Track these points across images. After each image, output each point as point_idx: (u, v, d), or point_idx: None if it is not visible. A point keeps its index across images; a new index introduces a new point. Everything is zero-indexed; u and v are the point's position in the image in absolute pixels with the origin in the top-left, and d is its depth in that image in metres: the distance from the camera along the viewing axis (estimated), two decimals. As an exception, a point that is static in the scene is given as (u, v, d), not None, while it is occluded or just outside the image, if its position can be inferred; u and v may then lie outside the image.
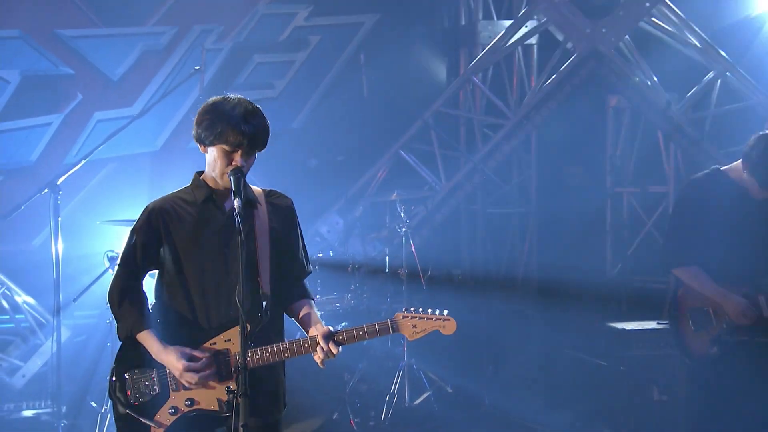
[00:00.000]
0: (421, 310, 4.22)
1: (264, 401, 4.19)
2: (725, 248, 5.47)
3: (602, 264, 9.85)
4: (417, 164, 9.41)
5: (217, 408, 4.14)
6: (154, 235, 4.21)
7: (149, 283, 4.34)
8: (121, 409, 4.18)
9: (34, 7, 8.58)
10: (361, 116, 9.22)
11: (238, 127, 4.06)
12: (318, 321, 4.29)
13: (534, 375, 8.29)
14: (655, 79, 9.25)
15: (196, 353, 4.13)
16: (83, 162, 7.18)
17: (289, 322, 4.40)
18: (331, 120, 9.45)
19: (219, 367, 4.16)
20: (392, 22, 9.70)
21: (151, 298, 4.31)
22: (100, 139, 7.92)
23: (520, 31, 9.51)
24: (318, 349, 4.12)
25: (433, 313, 4.24)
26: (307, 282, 4.51)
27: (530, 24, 9.54)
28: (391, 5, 9.69)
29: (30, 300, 8.52)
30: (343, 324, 7.71)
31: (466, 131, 9.90)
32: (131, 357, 4.21)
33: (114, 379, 4.21)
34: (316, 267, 7.51)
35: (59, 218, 6.92)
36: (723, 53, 9.09)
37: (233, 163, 4.11)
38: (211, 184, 4.25)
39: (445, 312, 4.24)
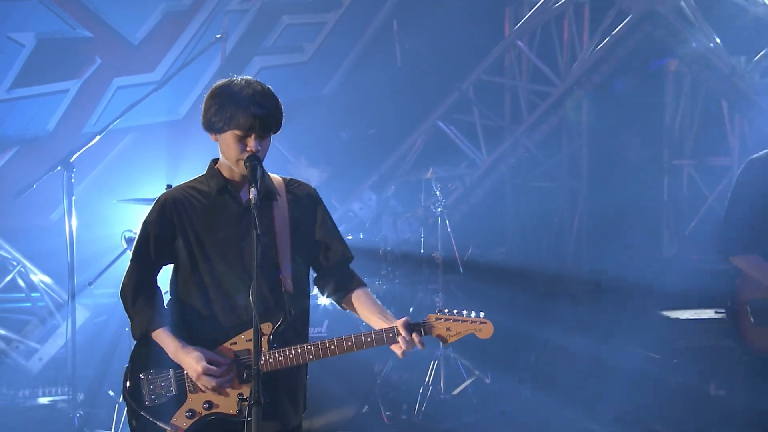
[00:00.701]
0: (456, 311, 4.20)
1: (283, 405, 4.21)
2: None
3: (657, 244, 9.77)
4: (456, 136, 9.36)
5: (236, 412, 4.16)
6: (168, 228, 4.22)
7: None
8: (135, 411, 4.22)
9: (49, -34, 8.68)
10: (394, 87, 9.18)
11: (248, 110, 4.05)
12: (384, 310, 4.29)
13: (581, 364, 8.27)
14: (719, 41, 9.06)
15: (216, 358, 4.16)
16: (98, 137, 7.24)
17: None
18: (363, 90, 9.43)
19: (239, 369, 4.17)
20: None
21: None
22: (119, 107, 7.98)
23: (571, -12, 9.38)
24: (401, 339, 4.10)
25: (469, 314, 4.21)
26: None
27: (582, -19, 9.41)
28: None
29: (46, 279, 8.69)
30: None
31: (510, 100, 9.81)
32: (146, 356, 4.23)
33: (128, 379, 4.24)
34: (345, 249, 7.52)
35: (73, 197, 6.98)
36: (797, 12, 8.88)
37: (248, 149, 4.10)
38: (226, 173, 4.24)
39: (482, 314, 4.21)
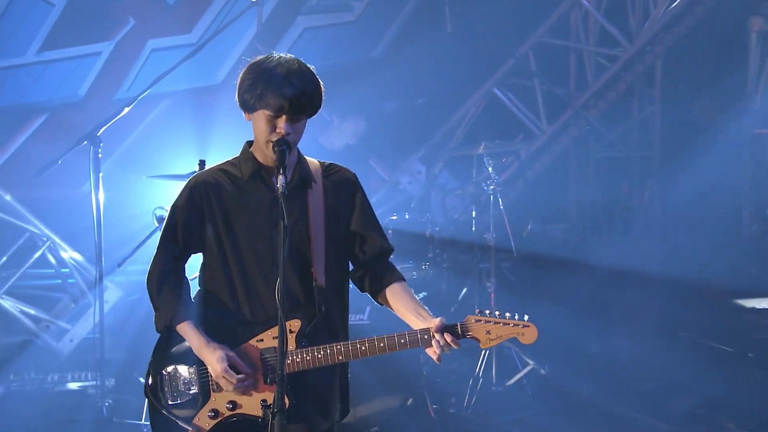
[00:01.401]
0: (497, 313, 4.18)
1: (309, 408, 4.24)
2: None
3: (737, 221, 9.59)
4: (514, 104, 9.28)
5: (260, 414, 4.19)
6: (197, 213, 4.26)
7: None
8: (156, 408, 4.30)
9: None
10: (444, 54, 9.09)
11: (278, 89, 4.05)
12: (420, 306, 4.30)
13: (646, 357, 8.20)
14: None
15: (239, 361, 4.20)
16: (127, 110, 7.29)
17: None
18: (411, 57, 9.35)
19: (265, 368, 4.21)
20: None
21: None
22: (154, 71, 8.04)
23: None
24: (434, 342, 4.11)
25: (512, 317, 4.20)
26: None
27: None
28: None
29: (77, 256, 8.87)
30: (423, 294, 7.76)
31: (575, 65, 9.67)
32: (170, 351, 4.30)
33: (150, 374, 4.32)
34: (389, 231, 7.52)
35: (100, 174, 7.05)
36: None
37: (277, 131, 4.12)
38: (259, 157, 4.26)
39: (526, 317, 4.19)
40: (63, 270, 9.02)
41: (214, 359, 4.18)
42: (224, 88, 9.32)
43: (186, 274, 4.37)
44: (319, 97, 4.18)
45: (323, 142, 8.53)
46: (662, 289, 8.81)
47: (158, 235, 4.41)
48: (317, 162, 4.41)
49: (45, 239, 8.92)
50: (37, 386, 8.13)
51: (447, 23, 9.13)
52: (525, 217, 8.39)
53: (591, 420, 7.46)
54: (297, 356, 4.12)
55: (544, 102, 9.36)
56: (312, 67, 4.20)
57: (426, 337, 4.11)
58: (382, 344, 4.15)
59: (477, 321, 4.18)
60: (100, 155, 7.10)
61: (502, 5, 9.35)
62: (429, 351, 4.14)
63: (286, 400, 4.04)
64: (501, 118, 9.35)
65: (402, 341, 4.14)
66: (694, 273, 8.55)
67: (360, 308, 6.87)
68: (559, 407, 7.65)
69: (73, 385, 8.06)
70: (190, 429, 4.24)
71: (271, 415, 3.84)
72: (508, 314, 4.20)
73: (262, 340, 4.23)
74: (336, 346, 4.16)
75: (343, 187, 4.38)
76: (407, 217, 7.88)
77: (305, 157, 4.38)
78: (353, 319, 6.90)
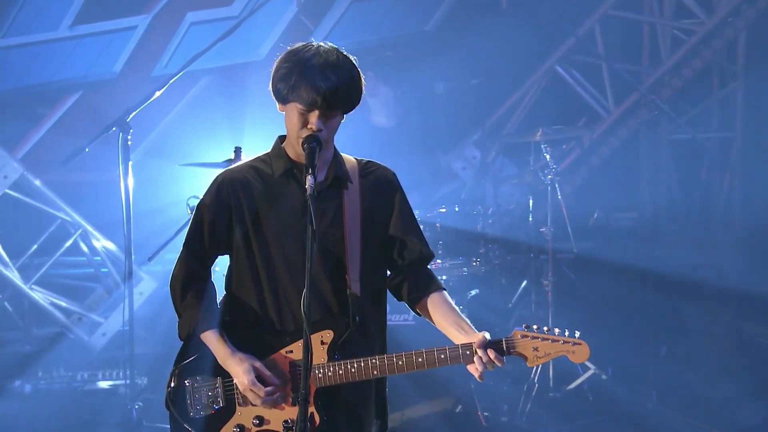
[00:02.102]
0: (546, 329, 4.15)
1: (344, 425, 4.26)
2: None
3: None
4: (579, 83, 9.17)
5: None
6: (224, 213, 4.29)
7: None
8: (177, 420, 4.37)
9: None
10: (501, 30, 9.00)
11: (312, 81, 4.05)
12: (462, 319, 4.29)
13: (717, 363, 8.11)
14: None
15: (267, 372, 4.24)
16: (158, 93, 7.35)
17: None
18: (464, 35, 9.28)
19: (295, 382, 4.23)
20: None
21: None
22: (193, 46, 8.08)
23: None
24: (476, 359, 4.11)
25: (561, 334, 4.16)
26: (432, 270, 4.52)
27: None
28: None
29: (110, 246, 9.01)
30: (474, 292, 7.76)
31: (648, 40, 9.52)
32: (193, 360, 4.35)
33: (172, 385, 4.37)
34: (437, 225, 7.52)
35: (130, 162, 7.11)
36: None
37: (308, 126, 4.13)
38: (291, 153, 4.27)
39: (577, 334, 4.15)
40: (95, 258, 9.16)
41: (240, 371, 4.21)
42: (267, 65, 9.33)
43: (212, 278, 4.41)
44: (357, 92, 4.17)
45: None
46: (741, 279, 8.67)
47: (190, 228, 4.44)
48: (354, 160, 4.42)
49: (77, 227, 9.07)
50: (66, 384, 8.29)
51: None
52: (588, 208, 8.29)
53: (656, 430, 7.41)
54: (329, 370, 4.15)
55: (612, 81, 9.24)
56: (353, 59, 4.19)
57: (468, 352, 4.11)
58: (420, 359, 4.15)
59: (524, 336, 4.16)
60: (129, 142, 7.15)
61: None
62: (471, 368, 4.14)
63: (317, 417, 4.09)
64: (562, 100, 9.26)
65: (442, 357, 4.14)
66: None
67: (405, 308, 6.87)
68: (622, 415, 7.61)
69: (104, 384, 8.20)
70: (213, 445, 4.30)
71: None
72: (557, 330, 4.16)
73: (291, 351, 4.25)
74: (371, 360, 4.18)
75: (381, 187, 4.39)
76: (457, 209, 7.86)
77: (342, 154, 4.39)
78: (398, 319, 6.93)
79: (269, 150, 4.37)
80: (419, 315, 4.43)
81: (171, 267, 8.52)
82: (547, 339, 4.15)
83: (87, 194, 9.13)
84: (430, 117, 8.55)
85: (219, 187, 4.32)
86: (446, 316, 4.31)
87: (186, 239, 4.38)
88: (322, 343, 4.19)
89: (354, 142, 8.16)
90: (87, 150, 7.38)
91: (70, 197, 9.15)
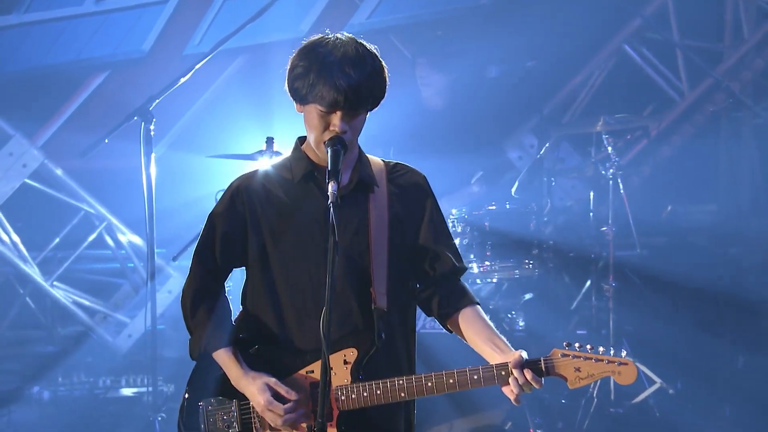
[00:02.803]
0: (589, 347, 4.10)
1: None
2: None
3: None
4: (649, 63, 9.05)
5: (311, 456, 4.26)
6: (239, 223, 4.30)
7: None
8: (192, 447, 4.41)
9: None
10: (560, 6, 8.90)
11: (332, 80, 4.02)
12: (496, 336, 4.27)
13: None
14: None
15: (285, 389, 4.26)
16: (183, 80, 7.34)
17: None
18: (521, 10, 9.18)
19: (316, 404, 4.19)
20: None
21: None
22: (229, 23, 8.08)
23: None
24: (511, 381, 4.09)
25: (606, 352, 4.11)
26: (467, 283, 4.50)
27: None
28: None
29: (137, 240, 9.09)
30: (529, 296, 7.71)
31: (731, 15, 9.35)
32: (208, 381, 4.37)
33: (184, 408, 4.39)
34: (486, 224, 7.48)
35: (153, 154, 7.12)
36: None
37: (330, 128, 4.11)
38: (312, 156, 4.27)
39: (624, 353, 4.09)
40: (121, 252, 9.30)
41: (255, 390, 4.23)
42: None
43: (225, 293, 4.43)
44: (382, 86, 4.15)
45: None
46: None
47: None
48: (381, 161, 4.40)
49: (101, 219, 9.18)
50: (87, 391, 8.40)
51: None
52: (657, 203, 8.18)
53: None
54: (352, 392, 4.15)
55: (686, 61, 9.10)
56: (374, 48, 4.17)
57: (503, 373, 4.09)
58: (451, 381, 4.13)
59: (564, 356, 4.13)
60: (152, 133, 7.17)
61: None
62: (506, 390, 4.12)
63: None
64: (630, 84, 9.12)
65: (475, 377, 4.11)
66: None
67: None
68: (691, 432, 7.56)
69: (127, 391, 8.29)
70: (229, 474, 4.32)
71: None
72: (601, 348, 4.12)
73: (312, 371, 4.25)
74: (398, 381, 4.17)
75: (410, 191, 4.37)
76: (508, 206, 7.82)
77: (368, 155, 4.38)
78: (431, 327, 6.89)
79: (289, 154, 4.37)
80: (450, 332, 4.41)
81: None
82: (590, 358, 4.11)
83: (112, 184, 9.22)
84: (482, 103, 8.46)
85: (233, 195, 4.33)
86: (479, 333, 4.29)
87: (196, 251, 4.41)
88: (345, 362, 4.19)
89: (395, 134, 8.27)
90: (107, 141, 7.41)
91: (93, 187, 9.26)
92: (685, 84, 9.17)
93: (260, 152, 6.96)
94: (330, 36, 4.13)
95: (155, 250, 8.93)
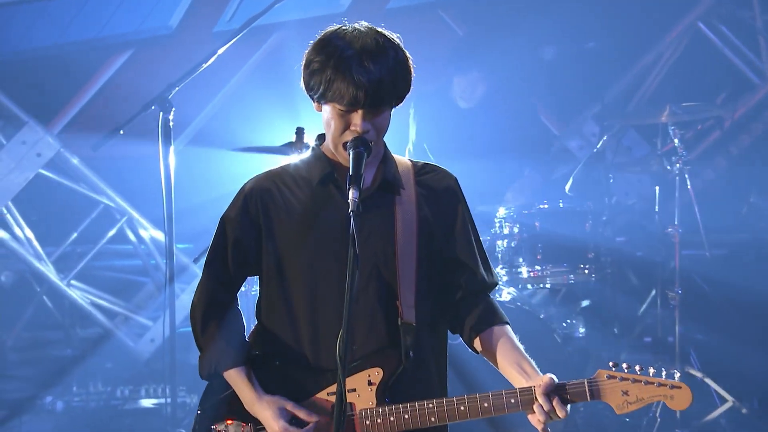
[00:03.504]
0: (638, 368, 4.06)
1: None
2: None
3: None
4: (726, 43, 8.95)
5: (332, 487, 4.26)
6: (253, 229, 4.32)
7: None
8: (203, 474, 4.42)
9: None
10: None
11: (350, 75, 4.02)
12: (527, 361, 4.25)
13: None
14: None
15: (301, 412, 4.24)
16: (204, 66, 7.32)
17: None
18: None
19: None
20: None
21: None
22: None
23: None
24: (536, 408, 4.10)
25: (657, 374, 4.07)
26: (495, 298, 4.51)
27: None
28: None
29: (160, 236, 9.13)
30: (585, 303, 7.67)
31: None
32: (220, 401, 4.38)
33: (196, 429, 4.41)
34: (536, 224, 7.43)
35: (171, 147, 7.11)
36: None
37: (351, 128, 4.12)
38: (332, 156, 4.28)
39: (677, 375, 4.05)
40: (142, 247, 9.39)
41: (269, 416, 4.25)
42: (349, 18, 9.32)
43: (238, 305, 4.44)
44: (406, 79, 4.15)
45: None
46: None
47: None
48: (409, 161, 4.41)
49: (122, 213, 9.26)
50: (103, 402, 8.47)
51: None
52: (732, 202, 8.07)
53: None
54: (378, 417, 4.16)
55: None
56: (396, 38, 4.16)
57: (514, 400, 4.10)
58: (486, 404, 4.13)
59: (611, 378, 4.10)
60: (171, 123, 7.15)
61: None
62: (531, 418, 4.12)
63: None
64: (702, 68, 9.02)
65: (512, 401, 4.11)
66: None
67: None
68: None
69: (147, 403, 8.34)
70: (244, 504, 4.34)
71: None
72: (652, 369, 4.08)
73: (335, 393, 4.19)
74: (428, 404, 4.17)
75: (441, 195, 4.36)
76: (561, 205, 7.78)
77: (395, 155, 4.38)
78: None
79: (308, 153, 4.38)
80: (476, 352, 4.39)
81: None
82: (639, 381, 4.07)
83: (134, 174, 9.28)
84: (536, 88, 8.42)
85: (246, 198, 4.34)
86: (506, 355, 4.27)
87: (207, 259, 4.42)
88: (370, 383, 4.20)
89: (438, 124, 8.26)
90: (122, 132, 7.41)
91: (113, 178, 9.35)
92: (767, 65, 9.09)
93: (289, 144, 6.94)
94: (347, 27, 4.13)
95: (178, 246, 9.08)
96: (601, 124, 8.79)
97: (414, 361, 4.20)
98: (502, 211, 7.73)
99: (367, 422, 4.15)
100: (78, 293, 9.21)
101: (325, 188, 4.27)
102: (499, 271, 7.60)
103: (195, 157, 8.74)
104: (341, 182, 4.23)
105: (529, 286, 7.81)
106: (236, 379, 4.33)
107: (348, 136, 4.10)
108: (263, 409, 4.26)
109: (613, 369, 4.08)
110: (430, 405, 4.16)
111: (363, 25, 4.13)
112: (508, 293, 7.47)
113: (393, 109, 4.21)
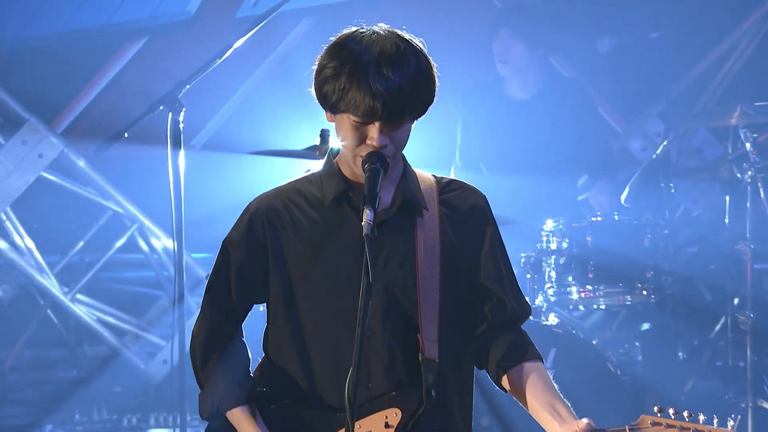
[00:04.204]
0: (686, 414, 4.06)
1: None
2: None
3: None
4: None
5: None
6: (259, 253, 4.37)
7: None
8: None
9: None
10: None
11: (366, 83, 4.05)
12: (561, 403, 4.27)
13: None
14: None
15: None
16: (219, 61, 7.33)
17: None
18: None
19: (352, 475, 4.28)
20: None
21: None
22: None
23: None
24: None
25: (708, 422, 4.06)
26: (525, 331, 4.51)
27: None
28: None
29: (172, 246, 9.19)
30: (645, 326, 7.64)
31: None
32: (224, 445, 4.48)
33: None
34: (588, 239, 7.41)
35: (181, 151, 7.09)
36: None
37: (367, 142, 4.14)
38: (347, 172, 4.32)
39: (730, 424, 4.07)
40: (154, 257, 9.46)
41: None
42: (385, 4, 9.37)
43: (243, 336, 4.49)
44: (429, 89, 4.17)
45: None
46: None
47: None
48: (432, 177, 4.44)
49: (133, 221, 9.33)
50: None
51: None
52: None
53: None
54: None
55: None
56: (419, 42, 4.20)
57: None
58: None
59: (655, 424, 4.10)
60: (181, 125, 7.11)
61: None
62: None
63: None
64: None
65: None
66: None
67: (541, 350, 6.82)
68: None
69: (157, 433, 8.39)
70: None
71: None
72: (702, 417, 4.07)
73: (348, 435, 4.31)
74: None
75: (467, 215, 4.40)
76: (616, 217, 7.76)
77: (417, 170, 4.42)
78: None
79: (320, 169, 4.41)
80: (504, 391, 4.41)
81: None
82: (687, 429, 4.06)
83: (145, 178, 9.30)
84: (591, 83, 8.39)
85: (251, 219, 4.40)
86: (539, 395, 4.28)
87: (208, 286, 4.49)
88: (387, 425, 4.24)
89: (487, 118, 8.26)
90: (126, 135, 7.42)
91: (123, 181, 9.38)
92: None
93: (313, 148, 6.95)
94: (365, 29, 4.16)
95: (193, 257, 9.15)
96: (667, 122, 8.75)
97: (436, 402, 4.22)
98: (549, 224, 7.65)
99: None
100: (83, 309, 9.26)
101: (338, 208, 4.31)
102: (546, 291, 7.58)
103: (214, 160, 8.78)
104: (356, 202, 4.26)
105: (581, 307, 7.81)
106: (240, 419, 4.37)
107: (363, 151, 4.14)
108: None
109: (659, 415, 4.09)
110: None
111: (382, 27, 4.17)
112: (556, 316, 7.46)
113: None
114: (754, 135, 7.71)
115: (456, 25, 9.26)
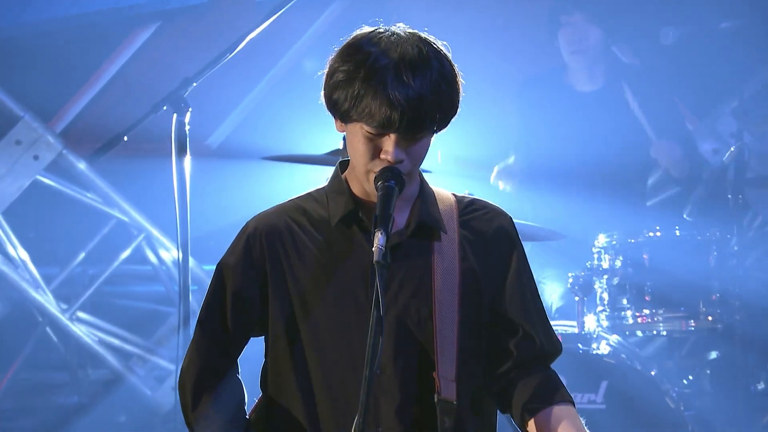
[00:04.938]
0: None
1: None
2: None
3: None
4: None
5: None
6: (256, 279, 4.39)
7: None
8: None
9: None
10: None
11: (384, 91, 4.06)
12: None
13: None
14: None
15: None
16: (231, 54, 7.38)
17: None
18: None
19: None
20: None
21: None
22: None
23: None
24: None
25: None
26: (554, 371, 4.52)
27: None
28: None
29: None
30: (714, 354, 7.62)
31: None
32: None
33: None
34: (645, 256, 7.40)
35: (187, 156, 7.14)
36: None
37: (381, 156, 4.16)
38: (356, 189, 4.35)
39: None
40: (163, 269, 9.55)
41: None
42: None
43: (238, 373, 4.51)
44: (453, 99, 4.18)
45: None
46: None
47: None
48: (452, 197, 4.45)
49: (139, 230, 9.39)
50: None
51: None
52: None
53: None
54: None
55: None
56: (442, 47, 4.20)
57: None
58: None
59: None
60: (187, 127, 7.17)
61: None
62: None
63: None
64: None
65: None
66: None
67: (592, 382, 6.83)
68: None
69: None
70: None
71: None
72: None
73: (354, 486, 4.33)
74: None
75: (490, 240, 4.41)
76: (678, 233, 7.75)
77: (435, 189, 4.44)
78: (580, 400, 6.87)
79: (325, 184, 4.44)
80: None
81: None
82: None
83: (152, 183, 9.37)
84: (654, 77, 8.38)
85: (249, 240, 4.41)
86: None
87: (200, 316, 4.50)
88: None
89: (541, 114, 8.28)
90: (125, 138, 7.45)
91: (128, 187, 9.43)
92: None
93: (335, 152, 6.97)
94: (383, 30, 4.17)
95: (205, 269, 9.18)
96: (741, 122, 8.71)
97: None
98: (602, 239, 7.65)
99: None
100: (83, 328, 9.28)
101: (347, 230, 4.33)
102: (598, 315, 7.55)
103: (232, 165, 8.84)
104: (367, 223, 4.29)
105: (638, 333, 7.77)
106: None
107: (377, 166, 4.15)
108: None
109: None
110: None
111: (402, 28, 4.18)
112: (608, 344, 7.40)
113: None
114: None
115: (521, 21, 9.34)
